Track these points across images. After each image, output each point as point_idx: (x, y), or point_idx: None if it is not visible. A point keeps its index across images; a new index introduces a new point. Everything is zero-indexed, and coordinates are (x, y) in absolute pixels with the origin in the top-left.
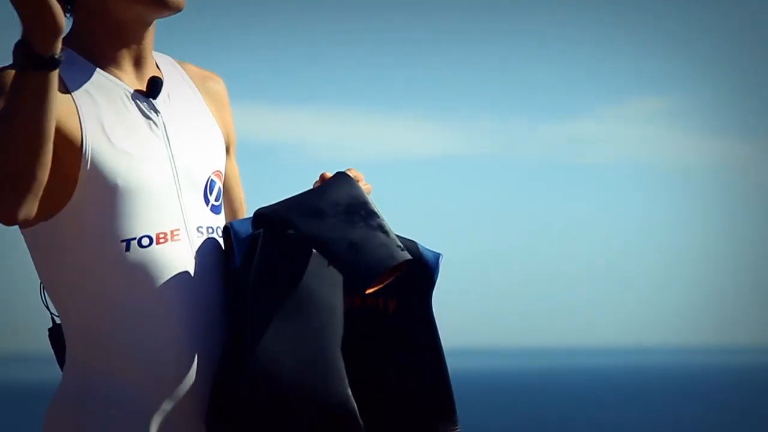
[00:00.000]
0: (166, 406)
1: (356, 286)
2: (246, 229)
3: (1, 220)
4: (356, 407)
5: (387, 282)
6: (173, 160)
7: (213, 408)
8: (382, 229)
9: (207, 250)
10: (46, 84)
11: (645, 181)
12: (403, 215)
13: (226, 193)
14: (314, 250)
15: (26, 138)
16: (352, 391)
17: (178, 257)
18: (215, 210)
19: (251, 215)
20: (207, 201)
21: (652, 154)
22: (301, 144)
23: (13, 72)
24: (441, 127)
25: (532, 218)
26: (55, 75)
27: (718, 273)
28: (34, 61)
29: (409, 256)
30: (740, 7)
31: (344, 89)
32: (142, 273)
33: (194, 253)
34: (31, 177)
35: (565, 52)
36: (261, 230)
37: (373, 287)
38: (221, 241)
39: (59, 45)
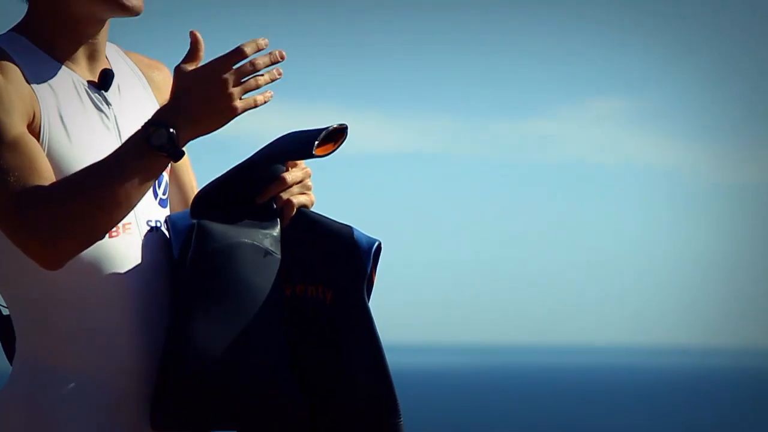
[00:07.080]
0: (116, 396)
1: (303, 149)
2: (185, 221)
3: (49, 265)
4: (302, 397)
5: (334, 149)
6: None
7: (156, 401)
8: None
9: (156, 244)
10: (163, 169)
11: (600, 181)
12: (346, 211)
13: (177, 179)
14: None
15: (120, 207)
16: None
17: (129, 250)
18: (162, 204)
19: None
20: (156, 195)
21: (609, 154)
22: (256, 138)
23: None
24: (397, 124)
25: (489, 217)
26: None
27: (671, 271)
28: (175, 152)
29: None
30: (696, 9)
31: (301, 83)
32: (95, 266)
33: (144, 247)
34: (99, 235)
35: (523, 51)
36: (196, 221)
37: (320, 148)
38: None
39: None
